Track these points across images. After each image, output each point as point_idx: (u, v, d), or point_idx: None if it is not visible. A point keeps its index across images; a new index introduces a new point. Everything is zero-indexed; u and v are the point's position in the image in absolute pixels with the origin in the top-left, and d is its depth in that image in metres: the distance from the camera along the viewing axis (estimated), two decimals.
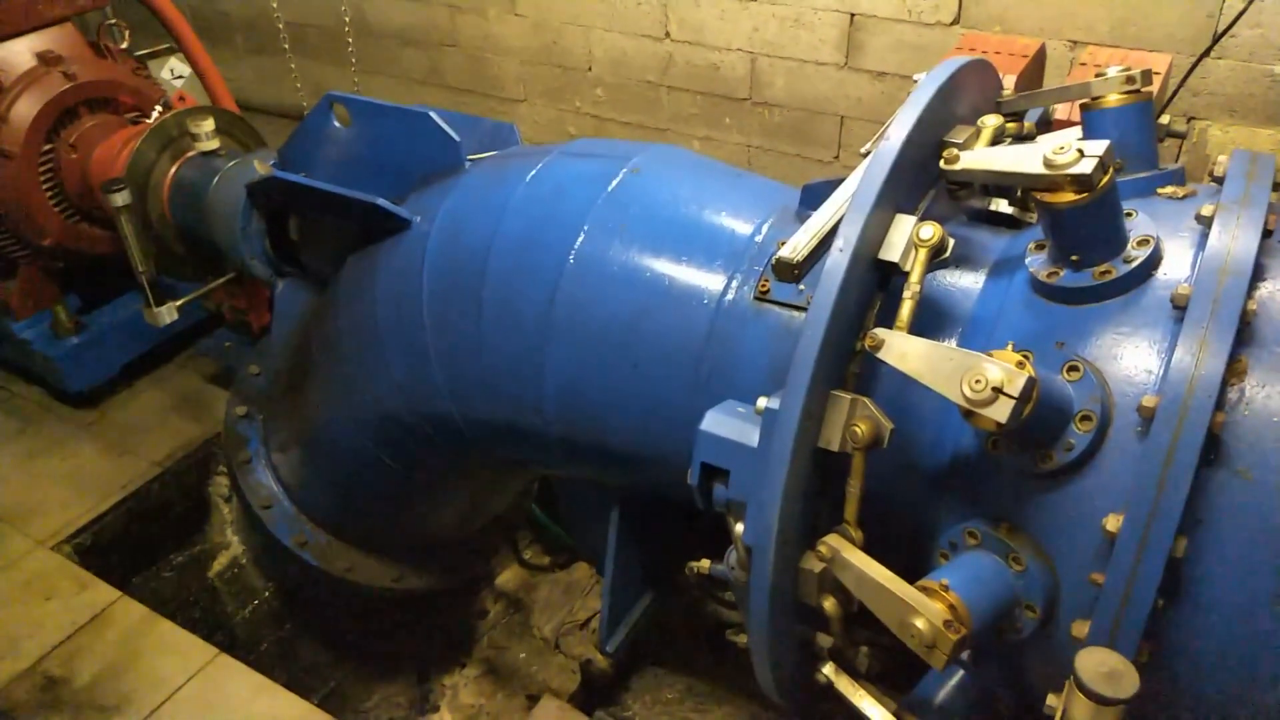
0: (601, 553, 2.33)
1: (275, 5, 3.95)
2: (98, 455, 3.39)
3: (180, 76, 4.83)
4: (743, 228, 1.92)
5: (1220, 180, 1.54)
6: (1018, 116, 1.93)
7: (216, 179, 2.89)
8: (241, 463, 2.86)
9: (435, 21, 4.79)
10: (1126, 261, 1.45)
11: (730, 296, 1.84)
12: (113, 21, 3.61)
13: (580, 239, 1.99)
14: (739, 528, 1.56)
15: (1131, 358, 1.40)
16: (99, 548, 3.10)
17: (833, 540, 1.49)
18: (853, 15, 3.66)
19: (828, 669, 1.64)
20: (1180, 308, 1.36)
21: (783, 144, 4.13)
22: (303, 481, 2.82)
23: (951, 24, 3.46)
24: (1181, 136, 2.27)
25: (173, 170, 3.05)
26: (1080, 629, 1.37)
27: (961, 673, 1.68)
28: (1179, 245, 1.48)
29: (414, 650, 3.52)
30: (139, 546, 3.22)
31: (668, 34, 4.14)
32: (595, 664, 2.65)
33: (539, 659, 3.40)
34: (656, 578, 2.46)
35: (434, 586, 3.05)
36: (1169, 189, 1.63)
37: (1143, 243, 1.46)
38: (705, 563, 1.91)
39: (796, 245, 1.51)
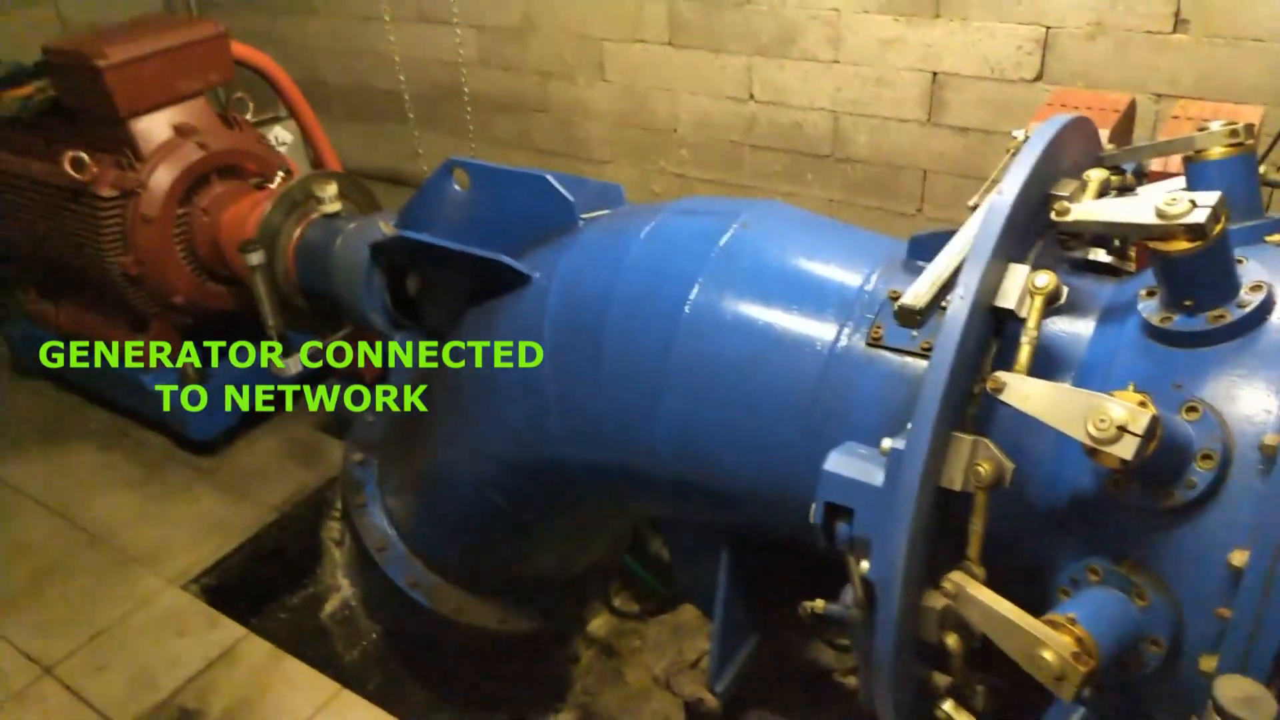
0: (710, 594, 2.41)
1: (402, 80, 4.25)
2: (219, 500, 3.58)
3: (284, 143, 5.17)
4: (852, 278, 2.01)
5: None
6: (1116, 169, 2.01)
7: (339, 239, 3.09)
8: (358, 506, 3.01)
9: (527, 89, 5.04)
10: (1240, 306, 1.51)
11: (842, 343, 1.93)
12: (239, 95, 3.90)
13: (694, 290, 2.10)
14: (863, 565, 1.62)
15: (1250, 398, 1.45)
16: (224, 588, 3.27)
17: (957, 577, 1.55)
18: (935, 74, 3.78)
19: (947, 705, 1.68)
20: None
21: (865, 198, 4.23)
22: (415, 524, 2.95)
23: (1034, 80, 3.56)
24: (1276, 185, 2.33)
25: (298, 231, 3.27)
26: (1208, 663, 1.40)
27: (1082, 710, 1.70)
28: None
29: (510, 694, 3.61)
30: (258, 587, 3.38)
31: (751, 96, 4.31)
32: (704, 703, 2.70)
33: (632, 704, 3.46)
34: (764, 621, 2.52)
35: (535, 629, 3.14)
36: (1277, 236, 1.68)
37: (1255, 288, 1.52)
38: (820, 603, 1.95)
39: (918, 293, 1.60)
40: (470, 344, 2.54)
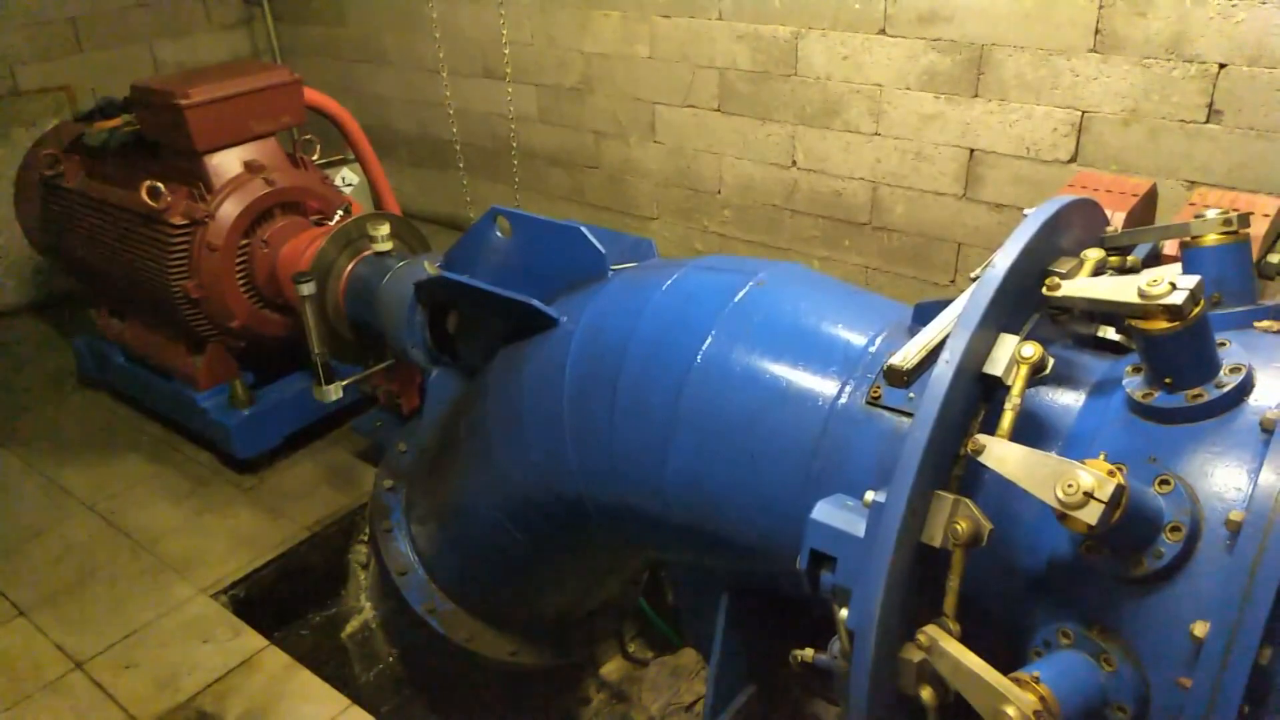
0: (709, 639, 2.46)
1: (454, 130, 4.46)
2: (256, 517, 3.74)
3: (350, 185, 5.44)
4: (857, 339, 2.10)
5: None
6: (1124, 251, 2.08)
7: (388, 276, 3.27)
8: (384, 530, 3.13)
9: (582, 146, 5.25)
10: (1218, 386, 1.57)
11: (843, 400, 2.01)
12: (308, 137, 4.15)
13: (708, 342, 2.21)
14: (843, 613, 1.69)
15: (1221, 475, 1.50)
16: (251, 600, 3.40)
17: (932, 630, 1.60)
18: (972, 151, 3.88)
19: None
20: (1269, 431, 1.47)
21: (900, 266, 4.32)
22: (437, 551, 3.06)
23: (1069, 161, 3.63)
24: None
25: (350, 267, 3.46)
26: None
27: None
28: (1271, 374, 1.58)
29: None
30: (284, 603, 3.51)
31: (794, 162, 4.45)
32: None
33: None
34: (760, 670, 2.56)
35: (544, 664, 3.21)
36: (1265, 323, 1.74)
37: (1235, 370, 1.58)
38: (809, 651, 2.01)
39: (907, 355, 1.69)
40: (499, 380, 2.68)
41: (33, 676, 2.99)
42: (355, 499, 3.78)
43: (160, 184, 3.65)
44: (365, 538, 3.69)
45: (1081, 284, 1.74)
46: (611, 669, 3.93)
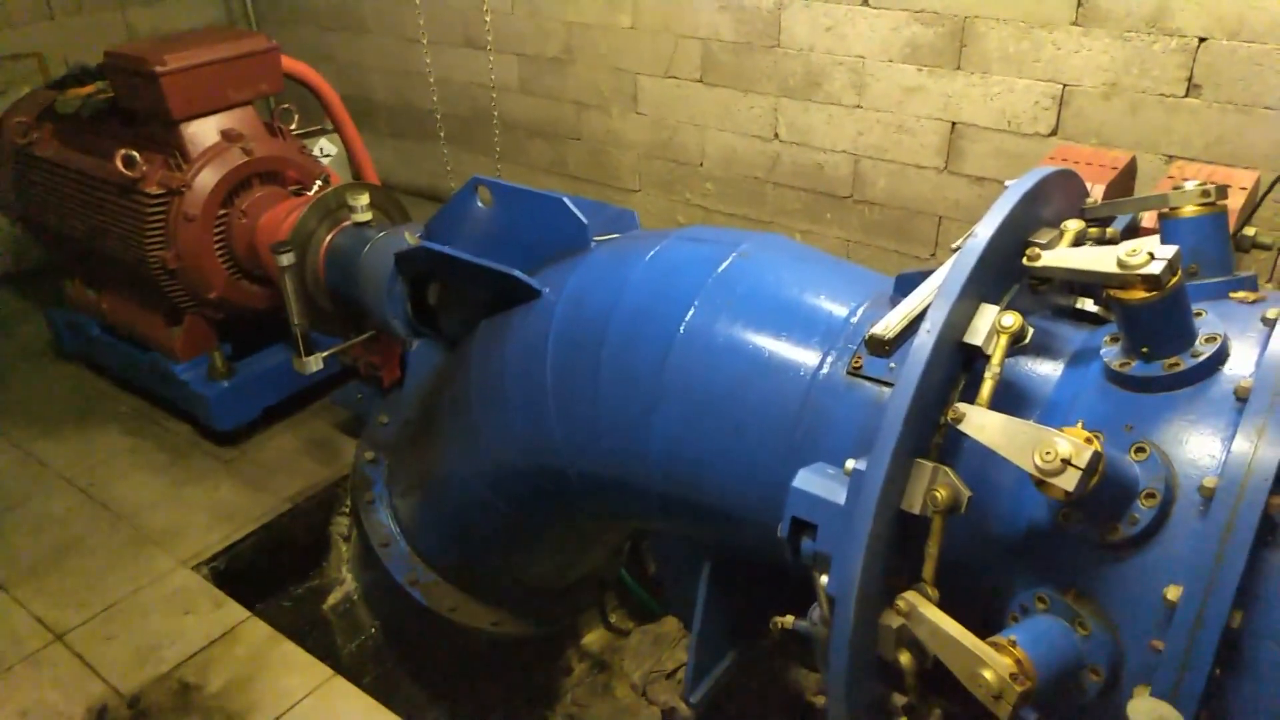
0: (690, 607, 2.49)
1: (435, 99, 4.41)
2: (236, 489, 3.73)
3: (328, 155, 5.38)
4: (839, 309, 2.11)
5: None
6: (1103, 222, 2.09)
7: (368, 247, 3.24)
8: (366, 503, 3.13)
9: (563, 117, 5.21)
10: (1194, 356, 1.59)
11: (825, 370, 2.03)
12: (286, 106, 4.09)
13: (691, 313, 2.21)
14: (823, 579, 1.71)
15: (1196, 443, 1.53)
16: (232, 572, 3.40)
17: (910, 596, 1.63)
18: (954, 124, 3.88)
19: None
20: (1242, 400, 1.49)
21: (881, 240, 4.33)
22: (419, 523, 3.07)
23: (1049, 135, 3.65)
24: (1268, 248, 2.40)
25: (329, 237, 3.43)
26: (1142, 694, 1.47)
27: None
28: (1245, 344, 1.61)
29: (501, 700, 3.69)
30: (266, 574, 3.51)
31: (776, 135, 4.43)
32: (679, 713, 2.77)
33: (620, 718, 3.52)
34: (742, 638, 2.59)
35: (527, 634, 3.24)
36: (1240, 293, 1.76)
37: (1210, 340, 1.60)
38: (789, 618, 2.04)
39: (888, 324, 1.70)
40: (481, 352, 2.67)
41: (13, 649, 2.98)
42: (336, 471, 3.77)
43: (135, 153, 3.59)
44: (347, 510, 3.69)
45: (1061, 254, 1.76)
46: (593, 639, 3.96)
